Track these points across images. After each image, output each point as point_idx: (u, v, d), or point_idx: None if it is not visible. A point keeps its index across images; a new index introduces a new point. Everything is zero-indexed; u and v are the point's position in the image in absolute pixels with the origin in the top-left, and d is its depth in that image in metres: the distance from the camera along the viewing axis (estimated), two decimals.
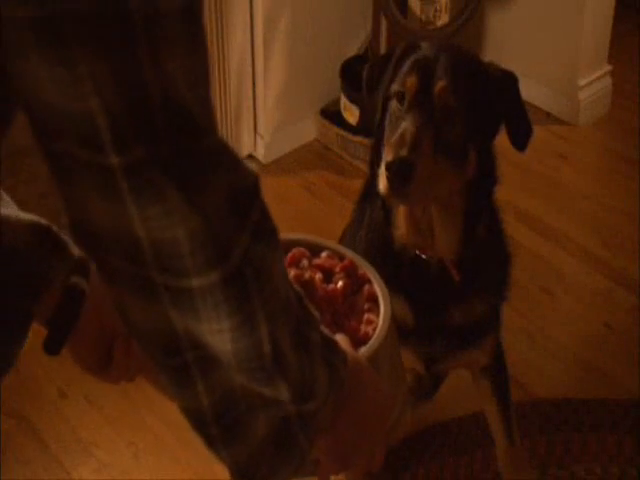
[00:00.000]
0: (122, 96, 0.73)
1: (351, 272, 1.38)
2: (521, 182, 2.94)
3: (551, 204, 2.87)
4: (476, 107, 1.63)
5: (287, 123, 3.06)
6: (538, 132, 3.12)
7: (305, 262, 1.33)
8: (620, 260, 2.66)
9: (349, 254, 1.43)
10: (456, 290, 1.73)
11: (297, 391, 0.92)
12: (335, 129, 3.04)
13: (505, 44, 3.24)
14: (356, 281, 1.37)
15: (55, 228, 1.06)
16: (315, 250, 1.36)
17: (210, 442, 0.93)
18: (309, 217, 2.84)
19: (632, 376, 2.32)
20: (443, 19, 3.00)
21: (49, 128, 0.76)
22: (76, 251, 1.07)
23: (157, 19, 0.73)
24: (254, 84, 2.97)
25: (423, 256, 1.70)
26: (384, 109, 1.68)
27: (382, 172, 1.57)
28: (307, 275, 1.29)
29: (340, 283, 1.33)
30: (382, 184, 1.57)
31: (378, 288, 1.37)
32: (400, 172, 1.54)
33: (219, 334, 0.84)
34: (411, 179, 1.54)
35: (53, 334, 1.07)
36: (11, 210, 1.04)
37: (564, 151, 3.07)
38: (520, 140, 1.72)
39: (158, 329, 0.85)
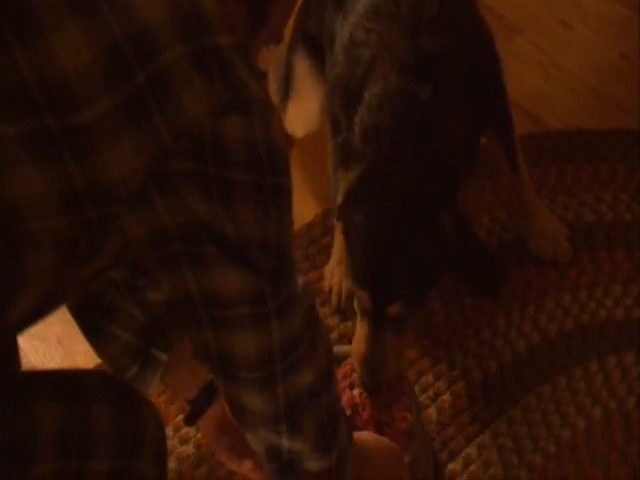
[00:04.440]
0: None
1: (392, 385, 1.66)
2: None
3: None
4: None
5: None
6: None
7: (355, 375, 1.65)
8: None
9: None
10: None
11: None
12: None
13: None
14: (395, 392, 1.66)
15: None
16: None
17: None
18: None
19: None
20: None
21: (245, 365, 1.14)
22: None
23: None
24: None
25: None
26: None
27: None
28: (357, 399, 1.62)
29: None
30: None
31: (413, 400, 1.66)
32: (374, 390, 1.67)
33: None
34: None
35: (192, 410, 1.57)
36: None
37: None
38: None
39: (267, 413, 1.19)
